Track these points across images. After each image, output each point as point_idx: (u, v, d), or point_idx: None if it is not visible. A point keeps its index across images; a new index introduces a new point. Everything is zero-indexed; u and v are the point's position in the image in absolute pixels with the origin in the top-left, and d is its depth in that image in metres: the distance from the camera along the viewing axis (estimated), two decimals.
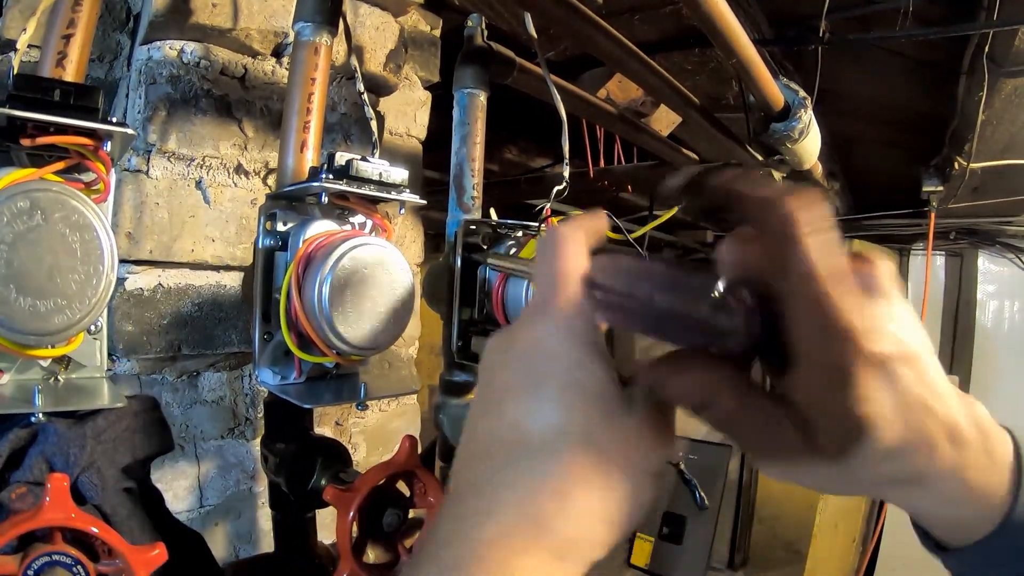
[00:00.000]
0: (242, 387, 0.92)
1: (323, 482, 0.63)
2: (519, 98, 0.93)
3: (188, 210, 0.82)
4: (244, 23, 0.83)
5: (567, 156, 0.77)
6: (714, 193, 0.26)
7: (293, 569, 0.74)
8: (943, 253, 3.24)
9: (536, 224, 0.70)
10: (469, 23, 0.80)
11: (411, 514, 0.62)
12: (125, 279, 0.77)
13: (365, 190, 0.61)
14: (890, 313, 0.25)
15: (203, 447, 0.88)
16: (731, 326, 0.25)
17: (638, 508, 0.26)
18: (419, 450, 0.62)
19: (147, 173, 0.78)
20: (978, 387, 3.20)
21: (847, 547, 3.12)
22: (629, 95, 1.39)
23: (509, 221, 0.74)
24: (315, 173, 0.59)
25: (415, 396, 1.18)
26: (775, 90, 1.12)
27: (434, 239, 1.30)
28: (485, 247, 0.73)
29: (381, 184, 0.61)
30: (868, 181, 2.63)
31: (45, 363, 0.52)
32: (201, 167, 0.83)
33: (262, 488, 0.94)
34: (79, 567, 0.44)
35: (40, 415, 0.47)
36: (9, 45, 0.72)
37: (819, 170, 1.71)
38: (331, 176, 0.58)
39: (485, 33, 0.81)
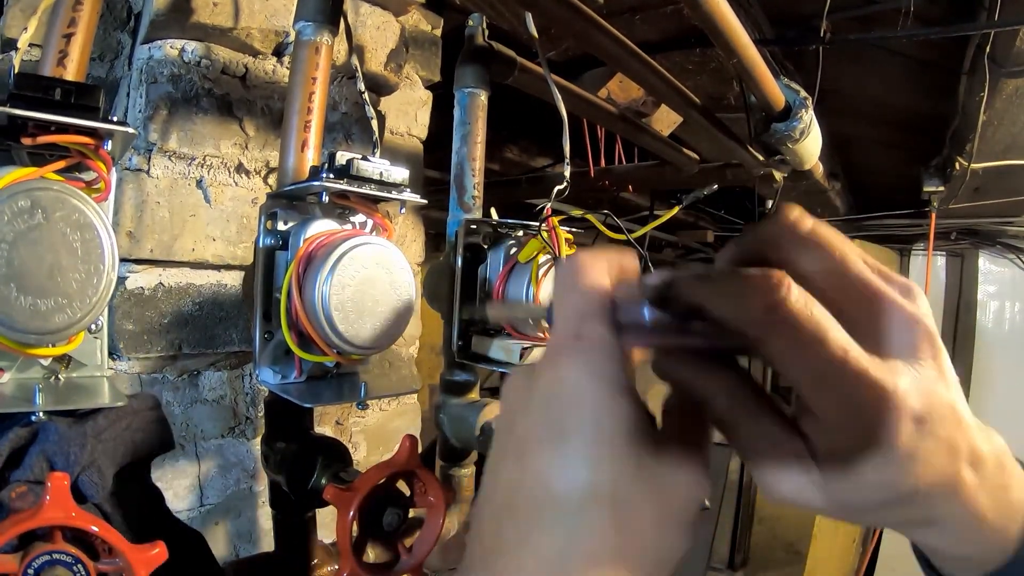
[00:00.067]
0: (243, 386, 0.92)
1: (323, 481, 0.63)
2: (520, 98, 0.93)
3: (189, 209, 0.82)
4: (245, 22, 0.83)
5: (568, 156, 0.77)
6: (688, 304, 0.25)
7: (293, 568, 0.74)
8: (944, 253, 3.24)
9: (536, 224, 0.70)
10: (470, 23, 0.80)
11: (411, 514, 0.62)
12: (126, 278, 0.77)
13: (366, 189, 0.61)
14: (920, 367, 0.24)
15: (203, 446, 0.88)
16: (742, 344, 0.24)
17: (671, 564, 0.25)
18: (419, 449, 0.62)
19: (148, 172, 0.78)
20: (978, 387, 3.20)
21: (847, 547, 3.12)
22: (630, 95, 1.39)
23: (510, 220, 0.74)
24: (316, 172, 0.59)
25: (415, 395, 1.18)
26: (776, 90, 1.12)
27: (435, 238, 1.30)
28: (486, 246, 0.73)
29: (382, 183, 0.61)
30: (869, 181, 2.63)
31: (46, 362, 0.52)
32: (202, 166, 0.83)
33: (262, 487, 0.94)
34: (79, 566, 0.44)
35: (40, 414, 0.47)
36: (10, 44, 0.72)
37: (820, 170, 1.71)
38: (332, 175, 0.58)
39: (486, 32, 0.81)
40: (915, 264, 3.33)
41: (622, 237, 0.75)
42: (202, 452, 0.88)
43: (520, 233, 0.74)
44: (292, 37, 0.80)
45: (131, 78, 0.81)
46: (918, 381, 0.23)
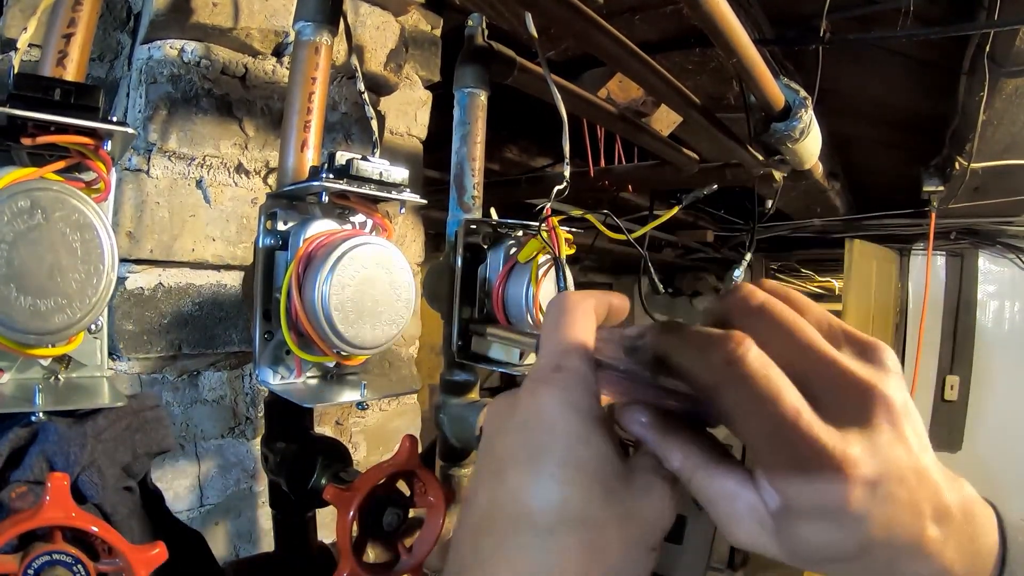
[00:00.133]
0: (242, 386, 0.92)
1: (323, 481, 0.63)
2: (520, 98, 0.93)
3: (189, 209, 0.82)
4: (245, 22, 0.83)
5: (567, 156, 0.77)
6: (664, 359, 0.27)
7: (293, 568, 0.74)
8: (944, 253, 3.24)
9: (536, 224, 0.70)
10: (470, 22, 0.80)
11: (411, 514, 0.62)
12: (126, 278, 0.77)
13: (365, 189, 0.61)
14: (873, 433, 0.25)
15: (203, 446, 0.88)
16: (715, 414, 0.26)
17: None
18: (419, 450, 0.62)
19: (148, 172, 0.78)
20: (978, 387, 3.20)
21: None
22: (630, 95, 1.39)
23: (509, 220, 0.74)
24: (316, 172, 0.59)
25: (415, 395, 1.18)
26: (776, 90, 1.12)
27: (435, 238, 1.30)
28: (486, 246, 0.73)
29: (381, 183, 0.61)
30: (869, 181, 2.63)
31: (45, 362, 0.52)
32: (202, 166, 0.83)
33: (262, 487, 0.94)
34: (79, 566, 0.44)
35: (40, 414, 0.47)
36: (10, 44, 0.72)
37: (819, 170, 1.71)
38: (331, 175, 0.58)
39: (486, 32, 0.81)
40: (915, 264, 3.33)
41: (622, 237, 0.75)
42: (202, 452, 0.88)
43: (520, 233, 0.74)
44: (292, 37, 0.80)
45: (131, 78, 0.81)
46: (871, 447, 0.24)
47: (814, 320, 0.27)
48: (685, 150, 1.50)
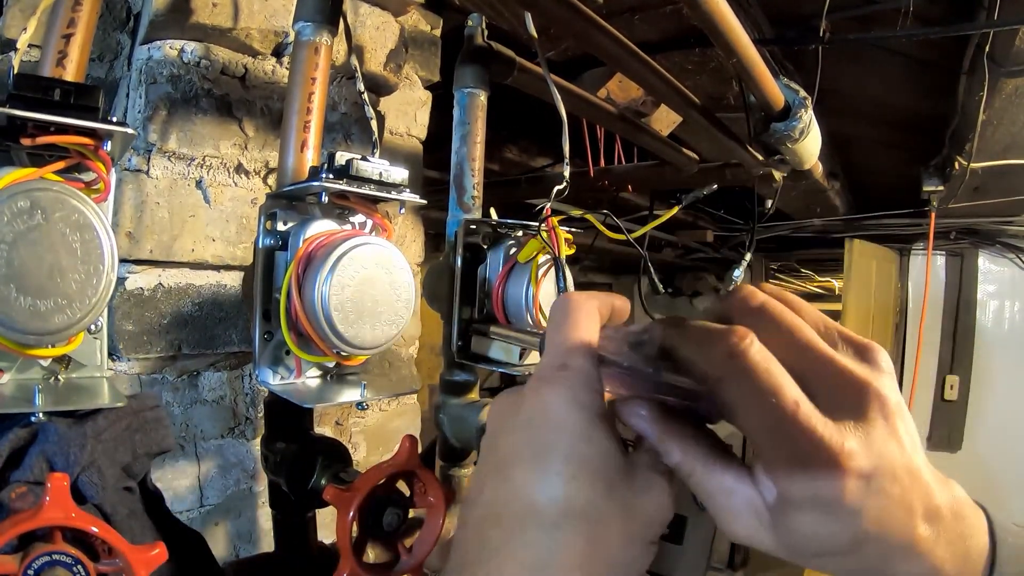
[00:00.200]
0: (242, 386, 0.92)
1: (323, 482, 0.63)
2: (520, 98, 0.93)
3: (188, 210, 0.82)
4: (244, 23, 0.83)
5: (567, 156, 0.77)
6: (666, 351, 0.27)
7: (293, 568, 0.74)
8: (943, 253, 3.24)
9: (536, 224, 0.70)
10: (469, 23, 0.80)
11: (411, 514, 0.62)
12: (125, 279, 0.77)
13: (365, 190, 0.61)
14: (868, 429, 0.25)
15: (203, 446, 0.88)
16: (716, 410, 0.27)
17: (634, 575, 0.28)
18: (419, 450, 0.62)
19: (147, 173, 0.78)
20: (978, 387, 3.20)
21: None
22: (629, 95, 1.39)
23: (509, 221, 0.74)
24: (315, 173, 0.59)
25: (415, 396, 1.18)
26: (775, 90, 1.12)
27: (434, 238, 1.30)
28: (485, 246, 0.73)
29: (381, 184, 0.61)
30: (868, 181, 2.63)
31: (45, 362, 0.52)
32: (201, 167, 0.83)
33: (262, 487, 0.94)
34: (79, 566, 0.44)
35: (40, 414, 0.47)
36: (9, 44, 0.72)
37: (819, 170, 1.71)
38: (331, 176, 0.58)
39: (485, 33, 0.81)
40: (915, 263, 3.33)
41: (621, 237, 0.75)
42: (202, 452, 0.88)
43: (520, 233, 0.74)
44: (291, 37, 0.80)
45: (130, 78, 0.81)
46: (866, 441, 0.25)
47: (811, 321, 0.28)
48: (685, 150, 1.50)
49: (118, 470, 0.50)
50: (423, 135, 1.15)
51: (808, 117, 1.21)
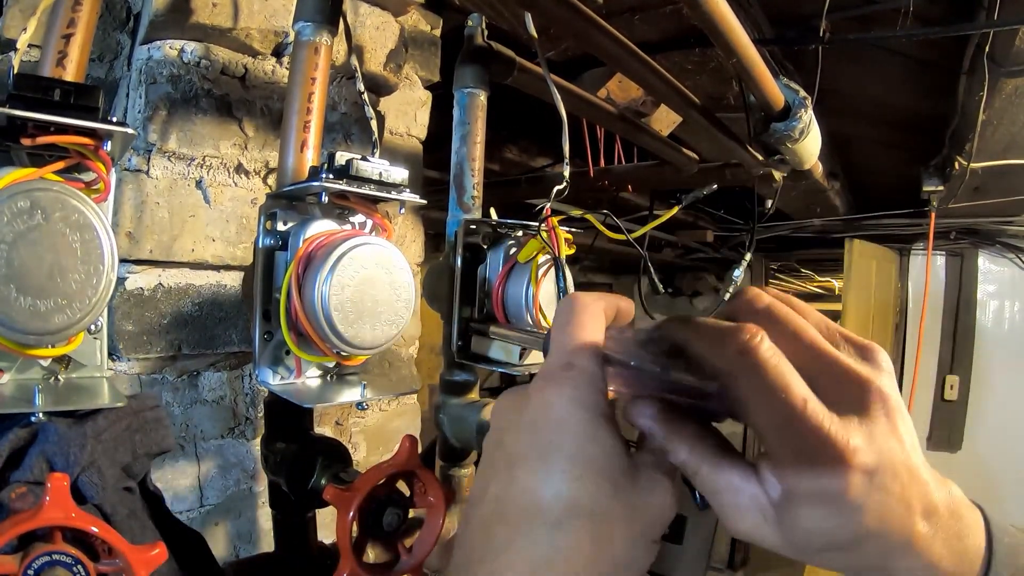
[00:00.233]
0: (242, 387, 0.92)
1: (323, 482, 0.63)
2: (519, 98, 0.93)
3: (188, 210, 0.82)
4: (244, 23, 0.83)
5: (567, 156, 0.77)
6: (675, 347, 0.28)
7: (293, 568, 0.74)
8: (943, 253, 3.24)
9: (536, 224, 0.70)
10: (469, 23, 0.80)
11: (411, 514, 0.62)
12: (125, 279, 0.77)
13: (365, 190, 0.61)
14: (871, 426, 0.26)
15: (203, 446, 0.88)
16: (722, 408, 0.27)
17: (637, 574, 0.28)
18: (419, 450, 0.62)
19: (147, 173, 0.78)
20: (978, 387, 3.20)
21: None
22: (629, 95, 1.39)
23: (509, 220, 0.74)
24: (315, 173, 0.59)
25: (415, 396, 1.18)
26: (775, 90, 1.12)
27: (434, 238, 1.30)
28: (485, 246, 0.73)
29: (381, 184, 0.61)
30: (868, 181, 2.63)
31: (45, 363, 0.52)
32: (201, 167, 0.83)
33: (262, 487, 0.94)
34: (79, 567, 0.44)
35: (40, 415, 0.47)
36: (9, 45, 0.72)
37: (819, 170, 1.71)
38: (331, 176, 0.58)
39: (485, 33, 0.81)
40: (915, 263, 3.33)
41: (621, 237, 0.75)
42: (202, 452, 0.88)
43: (519, 233, 0.74)
44: (291, 37, 0.80)
45: (130, 78, 0.81)
46: (870, 438, 0.25)
47: (814, 322, 0.29)
48: (685, 150, 1.50)
49: (118, 470, 0.50)
50: (423, 135, 1.15)
51: (808, 117, 1.21)
